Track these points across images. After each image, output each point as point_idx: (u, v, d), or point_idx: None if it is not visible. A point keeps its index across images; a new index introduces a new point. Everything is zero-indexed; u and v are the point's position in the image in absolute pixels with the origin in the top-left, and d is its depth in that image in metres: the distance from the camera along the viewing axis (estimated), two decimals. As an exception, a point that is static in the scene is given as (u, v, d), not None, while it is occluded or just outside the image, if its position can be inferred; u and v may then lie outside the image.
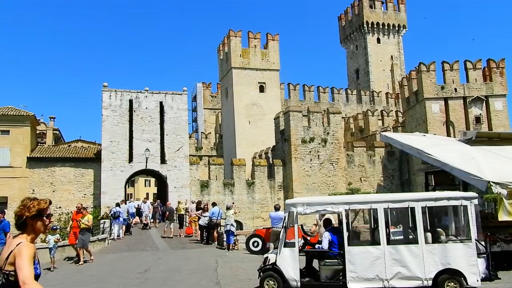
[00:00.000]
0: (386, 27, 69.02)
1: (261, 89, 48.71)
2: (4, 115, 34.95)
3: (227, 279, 11.95)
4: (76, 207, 17.20)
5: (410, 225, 10.52)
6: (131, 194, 61.97)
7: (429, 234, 9.95)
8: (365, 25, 68.12)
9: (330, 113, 40.07)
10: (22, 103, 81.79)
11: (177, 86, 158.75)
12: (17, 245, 3.41)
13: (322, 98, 59.31)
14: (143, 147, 35.91)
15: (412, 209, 9.91)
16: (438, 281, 9.40)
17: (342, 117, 47.76)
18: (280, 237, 10.27)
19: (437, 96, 39.87)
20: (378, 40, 68.93)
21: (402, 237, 11.14)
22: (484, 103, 40.01)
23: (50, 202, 3.85)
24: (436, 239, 10.07)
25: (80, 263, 15.57)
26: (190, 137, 44.92)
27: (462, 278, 9.37)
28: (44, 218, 3.60)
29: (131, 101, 36.16)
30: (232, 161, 38.70)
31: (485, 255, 9.89)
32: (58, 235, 15.91)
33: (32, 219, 3.54)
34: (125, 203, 29.20)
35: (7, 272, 3.39)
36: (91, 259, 15.98)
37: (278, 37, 49.85)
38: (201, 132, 54.31)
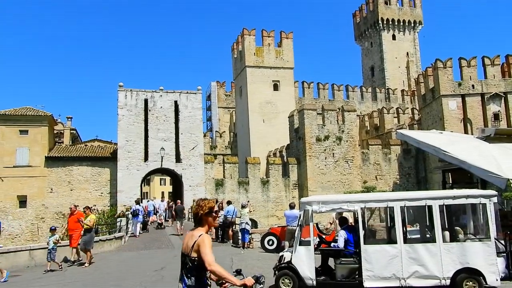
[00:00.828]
0: (401, 24, 68.23)
1: (275, 87, 48.64)
2: (23, 115, 35.63)
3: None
4: (70, 208, 16.34)
5: (427, 224, 10.38)
6: (146, 193, 62.51)
7: (447, 233, 9.81)
8: (380, 22, 67.45)
9: (344, 111, 39.82)
10: (40, 104, 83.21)
11: (191, 85, 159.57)
12: (199, 236, 4.26)
13: (336, 96, 58.97)
14: (158, 146, 36.23)
15: (430, 207, 9.77)
16: (457, 280, 9.26)
17: (357, 115, 47.46)
18: (296, 235, 10.23)
19: (454, 93, 39.28)
20: (394, 37, 68.19)
21: (419, 235, 11.00)
22: (503, 100, 39.28)
23: (217, 201, 4.79)
24: (454, 238, 9.92)
25: (85, 265, 14.74)
26: (204, 136, 45.17)
27: (481, 277, 9.21)
28: (213, 214, 4.44)
29: (146, 101, 36.52)
30: (247, 159, 38.75)
31: (504, 254, 9.71)
32: (57, 235, 14.95)
33: (205, 215, 4.40)
34: (141, 202, 29.57)
35: (193, 258, 4.26)
36: (91, 262, 15.06)
37: (292, 35, 49.72)
38: (216, 131, 54.51)
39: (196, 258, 4.25)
